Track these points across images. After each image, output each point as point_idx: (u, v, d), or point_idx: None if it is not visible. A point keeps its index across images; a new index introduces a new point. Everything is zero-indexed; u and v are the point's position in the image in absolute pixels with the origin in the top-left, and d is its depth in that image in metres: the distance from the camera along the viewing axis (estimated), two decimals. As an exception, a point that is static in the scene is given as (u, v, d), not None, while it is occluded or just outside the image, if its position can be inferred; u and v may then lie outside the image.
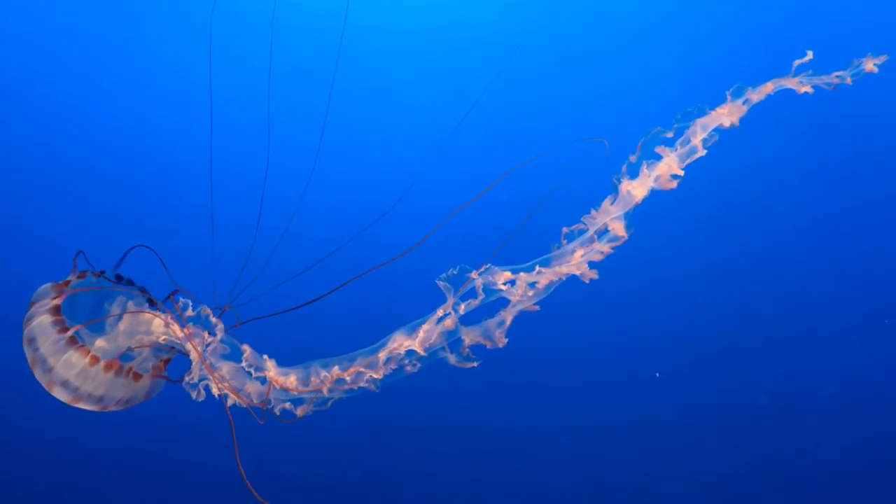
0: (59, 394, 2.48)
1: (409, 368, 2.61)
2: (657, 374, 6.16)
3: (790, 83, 2.67)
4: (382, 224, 3.79)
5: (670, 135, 2.72)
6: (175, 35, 6.23)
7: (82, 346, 2.49)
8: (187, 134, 6.30)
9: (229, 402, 2.75)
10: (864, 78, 2.79)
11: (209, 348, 2.67)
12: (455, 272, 2.56)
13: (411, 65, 6.19)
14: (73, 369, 2.44)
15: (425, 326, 2.54)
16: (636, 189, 2.52)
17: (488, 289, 2.56)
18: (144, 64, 6.19)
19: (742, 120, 2.77)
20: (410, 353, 2.58)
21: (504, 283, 2.54)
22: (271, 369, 2.68)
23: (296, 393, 2.72)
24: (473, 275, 2.54)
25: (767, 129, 6.25)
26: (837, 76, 2.68)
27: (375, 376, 2.60)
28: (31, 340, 2.46)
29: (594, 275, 2.64)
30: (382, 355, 2.60)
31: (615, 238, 2.56)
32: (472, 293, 2.57)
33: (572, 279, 2.71)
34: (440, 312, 2.55)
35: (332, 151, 5.77)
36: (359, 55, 5.97)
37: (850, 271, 6.44)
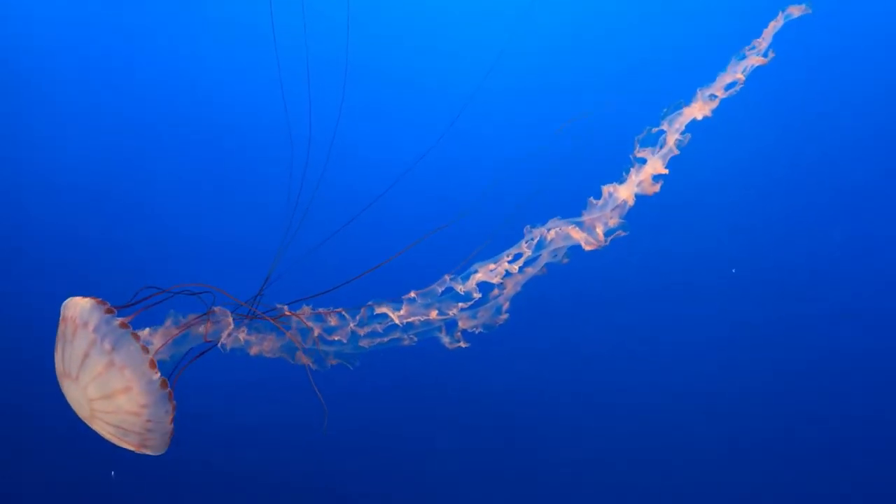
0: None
1: (406, 342, 2.80)
2: (733, 271, 6.20)
3: (755, 61, 2.70)
4: (402, 184, 3.92)
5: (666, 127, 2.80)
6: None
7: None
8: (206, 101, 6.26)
9: (253, 352, 2.99)
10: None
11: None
12: (450, 276, 2.72)
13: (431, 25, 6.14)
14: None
15: (408, 307, 2.70)
16: (622, 192, 2.62)
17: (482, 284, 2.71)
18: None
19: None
20: (408, 327, 2.76)
21: (495, 273, 2.70)
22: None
23: (307, 342, 2.90)
24: (466, 285, 2.70)
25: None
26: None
27: (360, 333, 2.78)
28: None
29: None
30: (364, 311, 2.79)
31: (593, 240, 2.65)
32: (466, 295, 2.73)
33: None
34: (434, 314, 2.73)
35: (352, 107, 5.80)
36: (375, 18, 5.93)
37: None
